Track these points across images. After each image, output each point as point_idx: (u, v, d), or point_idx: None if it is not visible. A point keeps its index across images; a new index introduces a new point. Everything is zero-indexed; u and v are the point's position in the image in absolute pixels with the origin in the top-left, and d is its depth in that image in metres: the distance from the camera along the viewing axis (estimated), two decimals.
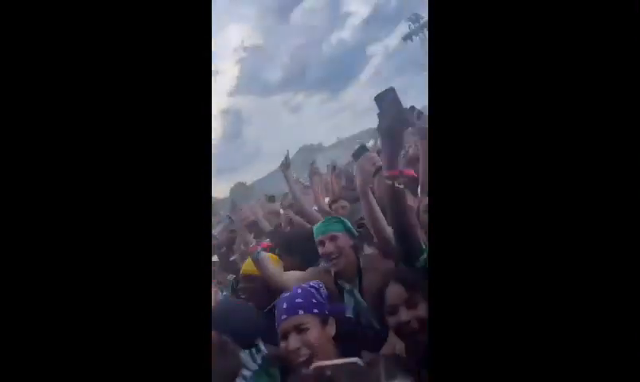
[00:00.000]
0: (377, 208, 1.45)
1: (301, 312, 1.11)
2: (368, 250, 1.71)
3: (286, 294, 1.19)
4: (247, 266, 1.73)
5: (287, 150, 2.85)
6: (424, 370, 1.03)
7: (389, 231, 1.40)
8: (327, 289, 1.50)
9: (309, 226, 2.73)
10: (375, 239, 1.61)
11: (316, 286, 1.22)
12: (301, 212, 2.72)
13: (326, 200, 3.13)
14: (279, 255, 1.85)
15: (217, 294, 2.12)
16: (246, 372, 1.17)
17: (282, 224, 3.00)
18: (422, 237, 1.67)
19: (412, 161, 2.19)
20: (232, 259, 2.48)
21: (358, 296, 1.54)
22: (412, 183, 2.06)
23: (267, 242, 1.64)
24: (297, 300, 1.14)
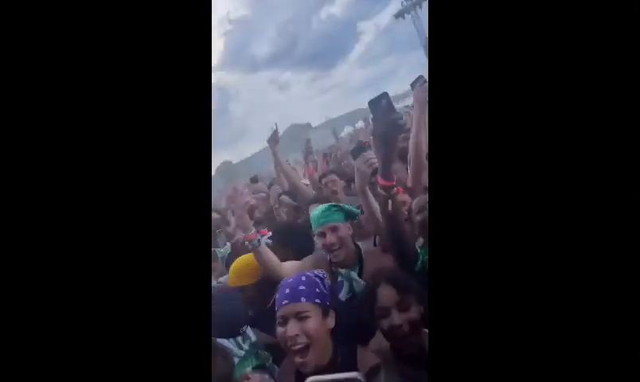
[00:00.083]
0: (375, 205, 1.45)
1: (303, 299, 1.09)
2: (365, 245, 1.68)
3: (290, 280, 1.15)
4: (234, 275, 1.60)
5: (276, 124, 2.77)
6: (420, 371, 1.03)
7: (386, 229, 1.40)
8: None
9: (295, 204, 2.68)
10: (377, 240, 1.58)
11: (320, 275, 1.18)
12: (293, 187, 2.66)
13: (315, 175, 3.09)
14: (274, 246, 1.79)
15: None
16: (235, 359, 1.15)
17: (272, 203, 2.92)
18: (416, 239, 1.65)
19: (402, 156, 2.15)
20: (224, 246, 2.40)
21: (356, 277, 1.51)
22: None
23: (265, 230, 1.54)
24: (300, 287, 1.11)
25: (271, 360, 1.31)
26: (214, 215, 3.24)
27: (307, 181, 3.03)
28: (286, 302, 1.09)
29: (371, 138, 1.35)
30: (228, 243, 2.33)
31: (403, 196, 1.77)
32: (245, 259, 1.60)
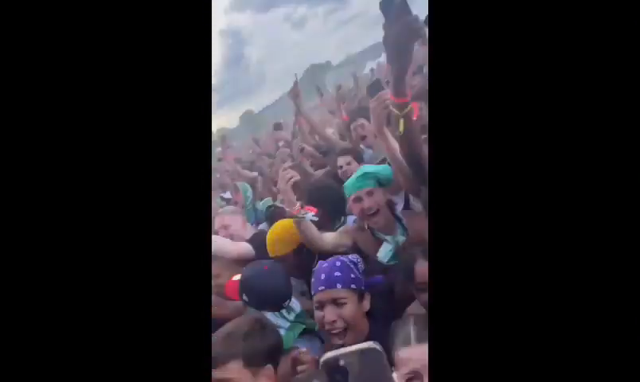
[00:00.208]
0: (396, 144, 1.36)
1: (339, 286, 1.12)
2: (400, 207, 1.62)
3: (325, 265, 1.19)
4: (272, 245, 1.58)
5: (296, 76, 2.61)
6: None
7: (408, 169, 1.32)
8: (364, 249, 1.48)
9: (319, 156, 2.62)
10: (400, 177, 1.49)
11: (355, 260, 1.22)
12: (323, 137, 2.59)
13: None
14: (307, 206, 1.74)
15: (246, 229, 2.05)
16: (281, 330, 1.19)
17: (295, 156, 2.86)
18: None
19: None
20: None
21: (402, 239, 1.46)
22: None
23: (313, 208, 1.49)
24: (336, 273, 1.14)
25: (317, 328, 1.31)
26: (248, 173, 3.26)
27: (332, 129, 2.94)
28: (322, 288, 1.14)
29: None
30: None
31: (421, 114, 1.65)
32: (280, 226, 1.57)
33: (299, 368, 1.05)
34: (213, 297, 1.47)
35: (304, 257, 1.49)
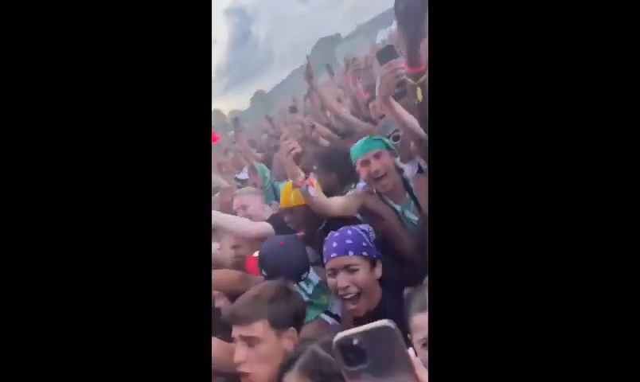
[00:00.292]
0: (403, 111, 1.34)
1: (351, 253, 1.15)
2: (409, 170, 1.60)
3: (337, 234, 1.21)
4: (286, 196, 1.61)
5: (307, 58, 2.55)
6: None
7: (423, 133, 1.30)
8: (370, 209, 1.47)
9: (337, 138, 2.59)
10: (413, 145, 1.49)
11: (366, 229, 1.24)
12: (339, 117, 2.55)
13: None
14: (316, 175, 1.75)
15: (264, 210, 2.07)
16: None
17: (307, 134, 2.82)
18: None
19: None
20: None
21: (412, 217, 1.45)
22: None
23: (313, 179, 1.48)
24: (347, 241, 1.17)
25: (331, 306, 1.36)
26: (259, 156, 3.26)
27: (344, 108, 2.87)
28: (334, 255, 1.16)
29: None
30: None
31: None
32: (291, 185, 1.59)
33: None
34: (235, 272, 1.51)
35: (314, 221, 1.50)
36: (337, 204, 1.47)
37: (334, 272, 1.16)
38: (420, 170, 1.64)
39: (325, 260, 1.20)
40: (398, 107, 1.31)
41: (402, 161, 1.59)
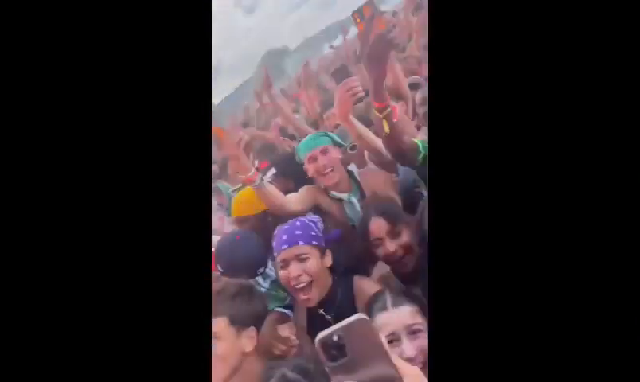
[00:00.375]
0: (362, 128, 1.44)
1: (301, 243, 1.18)
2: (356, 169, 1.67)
3: (286, 226, 1.24)
4: (237, 205, 1.60)
5: (266, 69, 2.58)
6: (420, 285, 1.13)
7: (379, 142, 1.39)
8: (323, 208, 1.53)
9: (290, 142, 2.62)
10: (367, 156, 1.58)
11: (314, 219, 1.27)
12: (295, 129, 2.57)
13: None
14: (274, 183, 1.77)
15: (223, 220, 2.06)
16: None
17: (274, 135, 2.83)
18: (415, 134, 1.63)
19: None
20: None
21: (355, 203, 1.53)
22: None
23: (264, 162, 1.50)
24: (297, 232, 1.20)
25: (288, 300, 1.39)
26: (213, 167, 3.19)
27: (298, 115, 2.92)
28: (285, 246, 1.18)
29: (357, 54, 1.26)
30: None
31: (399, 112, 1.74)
32: (244, 193, 1.62)
33: (282, 335, 1.12)
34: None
35: (269, 223, 1.49)
36: (294, 200, 1.47)
37: (286, 263, 1.19)
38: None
39: (275, 253, 1.23)
40: (357, 123, 1.41)
41: (358, 167, 1.66)
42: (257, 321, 1.04)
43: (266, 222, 1.54)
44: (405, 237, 1.23)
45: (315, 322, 1.22)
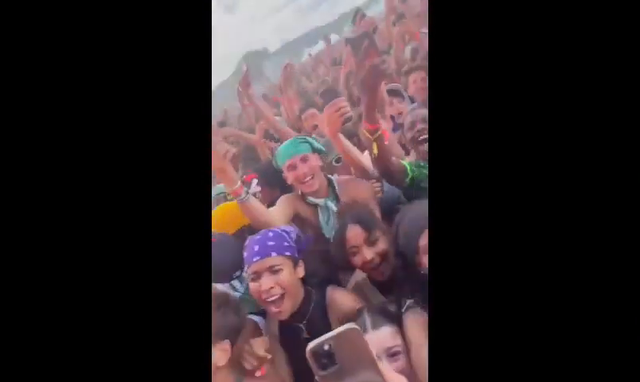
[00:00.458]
0: (351, 146, 1.46)
1: (273, 254, 1.15)
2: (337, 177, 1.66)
3: (258, 237, 1.20)
4: (219, 220, 1.50)
5: (246, 66, 2.56)
6: (395, 293, 1.13)
7: (366, 160, 1.41)
8: (300, 215, 1.52)
9: (274, 144, 2.59)
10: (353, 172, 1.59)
11: (287, 230, 1.25)
12: (276, 131, 2.53)
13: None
14: (260, 192, 1.74)
15: None
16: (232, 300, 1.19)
17: (258, 138, 2.79)
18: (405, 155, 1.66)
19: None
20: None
21: (333, 207, 1.52)
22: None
23: (252, 174, 1.46)
24: (269, 243, 1.17)
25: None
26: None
27: (279, 118, 2.90)
28: (257, 257, 1.14)
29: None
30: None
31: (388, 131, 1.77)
32: (227, 205, 1.58)
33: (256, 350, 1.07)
34: None
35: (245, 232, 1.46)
36: (276, 215, 1.42)
37: (257, 275, 1.14)
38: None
39: (246, 266, 1.17)
40: (345, 141, 1.43)
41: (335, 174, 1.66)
42: (231, 333, 1.01)
43: (243, 231, 1.50)
44: (382, 244, 1.23)
45: (288, 331, 1.20)
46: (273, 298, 1.12)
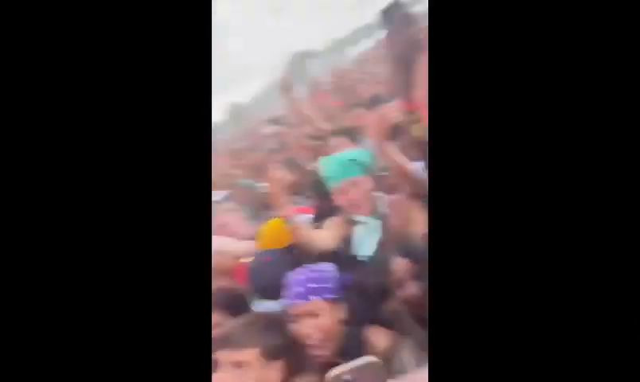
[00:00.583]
0: (399, 156, 1.38)
1: (315, 298, 1.12)
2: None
3: (301, 277, 1.16)
4: (261, 240, 1.50)
5: (287, 68, 2.56)
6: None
7: (414, 168, 1.33)
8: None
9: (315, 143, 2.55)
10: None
11: (329, 269, 1.20)
12: (319, 129, 2.52)
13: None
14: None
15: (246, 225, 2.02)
16: None
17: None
18: None
19: None
20: None
21: (377, 229, 1.43)
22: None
23: (307, 207, 1.45)
24: (309, 285, 1.13)
25: None
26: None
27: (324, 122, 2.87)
28: (298, 300, 1.12)
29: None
30: None
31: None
32: (274, 223, 1.54)
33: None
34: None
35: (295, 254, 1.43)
36: (323, 238, 1.38)
37: (297, 318, 1.12)
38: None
39: (287, 304, 1.16)
40: (393, 151, 1.34)
41: (383, 192, 1.57)
42: (288, 352, 1.02)
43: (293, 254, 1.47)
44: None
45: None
46: (312, 343, 1.10)
